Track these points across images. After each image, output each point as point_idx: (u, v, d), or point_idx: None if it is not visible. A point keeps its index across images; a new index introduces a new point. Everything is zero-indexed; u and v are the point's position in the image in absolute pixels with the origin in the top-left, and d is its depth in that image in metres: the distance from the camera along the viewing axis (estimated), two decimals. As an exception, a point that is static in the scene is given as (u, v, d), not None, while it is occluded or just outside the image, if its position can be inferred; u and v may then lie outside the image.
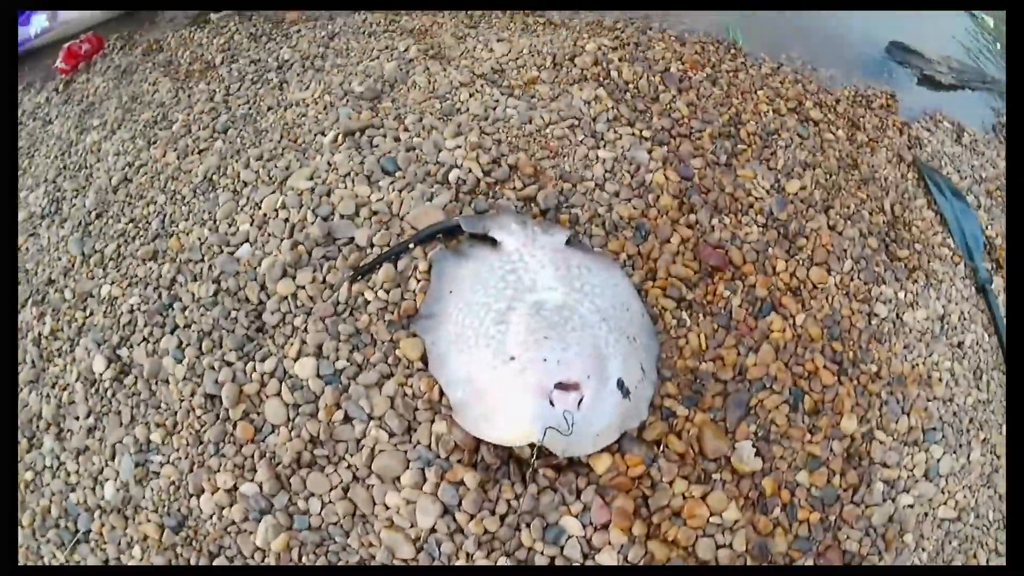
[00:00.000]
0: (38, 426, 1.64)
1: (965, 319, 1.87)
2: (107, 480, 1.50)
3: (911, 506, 1.54)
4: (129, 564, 1.43)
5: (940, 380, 1.70)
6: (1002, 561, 1.65)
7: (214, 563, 1.36)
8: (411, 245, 1.50)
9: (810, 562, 1.40)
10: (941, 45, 2.74)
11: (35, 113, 2.59)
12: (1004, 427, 1.76)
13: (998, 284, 2.04)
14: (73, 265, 1.85)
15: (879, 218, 1.89)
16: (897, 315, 1.74)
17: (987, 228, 2.19)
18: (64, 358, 1.69)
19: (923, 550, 1.54)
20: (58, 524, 1.52)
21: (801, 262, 1.67)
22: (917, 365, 1.69)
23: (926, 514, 1.56)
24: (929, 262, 1.90)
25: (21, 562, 1.52)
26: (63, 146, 2.29)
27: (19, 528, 1.55)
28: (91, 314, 1.72)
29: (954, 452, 1.64)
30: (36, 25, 2.86)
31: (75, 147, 2.25)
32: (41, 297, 1.84)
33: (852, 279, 1.72)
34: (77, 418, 1.59)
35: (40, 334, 1.76)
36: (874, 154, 2.06)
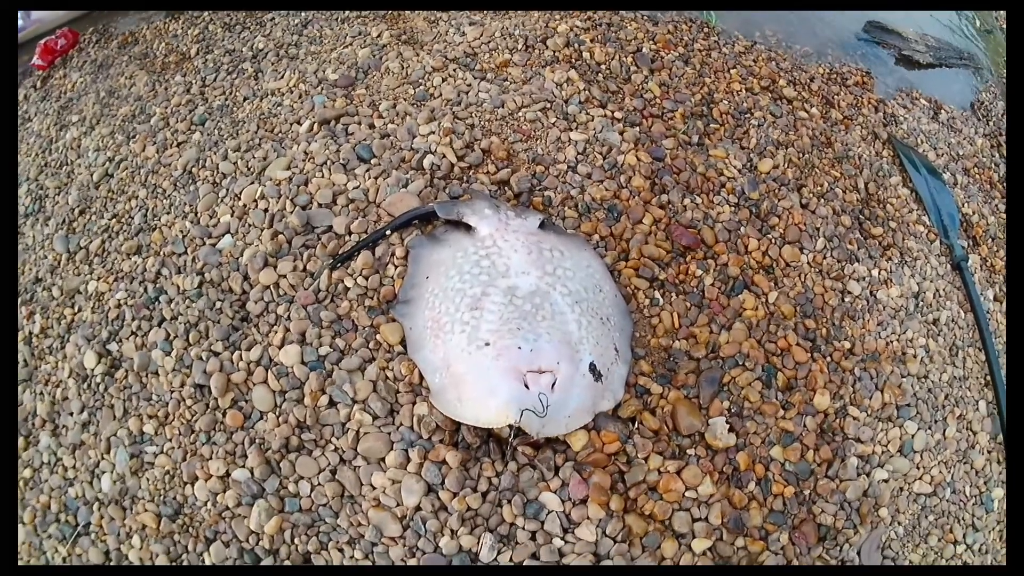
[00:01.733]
0: (34, 424, 1.69)
1: (940, 296, 1.94)
2: (103, 473, 1.56)
3: (886, 481, 1.60)
4: (129, 554, 1.48)
5: (915, 357, 1.77)
6: (979, 536, 1.73)
7: (210, 548, 1.42)
8: (388, 232, 1.57)
9: (785, 536, 1.47)
10: (920, 23, 2.79)
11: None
12: (980, 404, 1.83)
13: (974, 261, 2.11)
14: (59, 263, 1.90)
15: (853, 196, 1.95)
16: (871, 293, 1.81)
17: (964, 205, 2.25)
18: (55, 355, 1.74)
19: (899, 524, 1.61)
20: (58, 519, 1.58)
21: (773, 241, 1.74)
22: (891, 342, 1.76)
23: (901, 489, 1.63)
24: (904, 240, 1.96)
25: (23, 560, 1.57)
26: (43, 143, 2.33)
27: (20, 525, 1.60)
28: (79, 310, 1.77)
29: (929, 428, 1.71)
30: (12, 25, 2.88)
31: (55, 144, 2.29)
32: (30, 296, 1.89)
33: (825, 257, 1.78)
34: (71, 414, 1.64)
35: (31, 333, 1.81)
36: (848, 132, 2.12)
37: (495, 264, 1.46)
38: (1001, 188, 2.43)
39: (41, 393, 1.71)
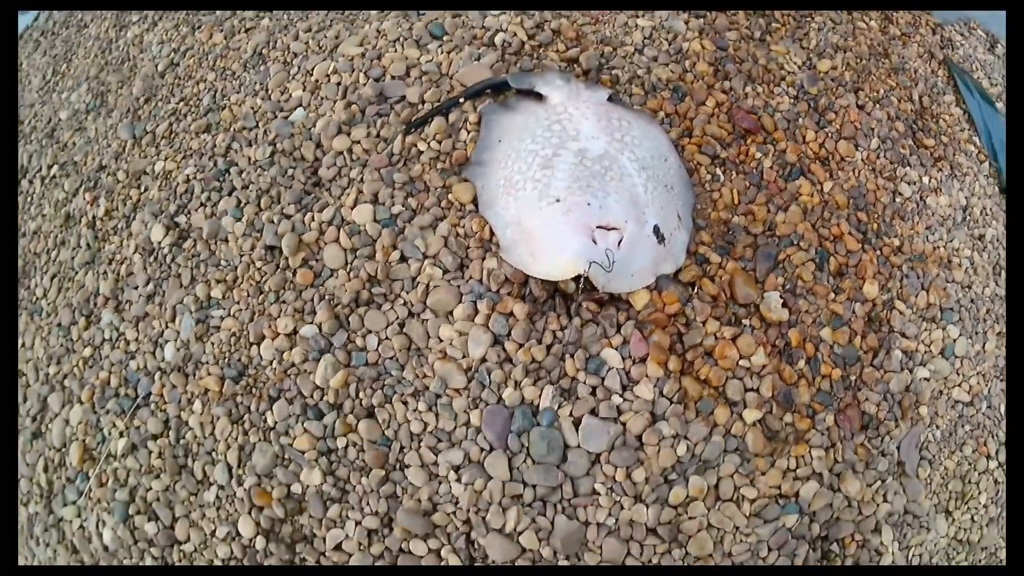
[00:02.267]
0: (95, 303, 1.76)
1: (987, 214, 1.99)
2: (167, 342, 1.62)
3: (927, 379, 1.66)
4: (189, 420, 1.56)
5: (960, 265, 1.82)
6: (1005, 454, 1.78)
7: (273, 407, 1.49)
8: (461, 100, 1.64)
9: (831, 418, 1.53)
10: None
11: (67, 22, 2.70)
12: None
13: (1019, 192, 2.17)
14: (124, 149, 1.98)
15: (907, 106, 2.01)
16: (921, 197, 1.86)
17: (1015, 134, 2.31)
18: (120, 235, 1.82)
19: (936, 427, 1.67)
20: (118, 394, 1.64)
21: (830, 135, 1.80)
22: (938, 247, 1.81)
23: (941, 392, 1.69)
24: (954, 155, 2.01)
25: (79, 440, 1.65)
26: (103, 44, 2.42)
27: (79, 404, 1.67)
28: (145, 190, 1.84)
29: (970, 337, 1.76)
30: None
31: (115, 44, 2.38)
32: (93, 183, 1.97)
33: (879, 157, 1.84)
34: (136, 288, 1.71)
35: (94, 216, 1.89)
36: (906, 47, 2.17)
37: (566, 128, 1.53)
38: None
39: (104, 272, 1.79)
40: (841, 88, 1.90)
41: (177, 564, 1.55)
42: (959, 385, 1.73)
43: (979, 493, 1.74)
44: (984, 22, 2.63)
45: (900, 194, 1.83)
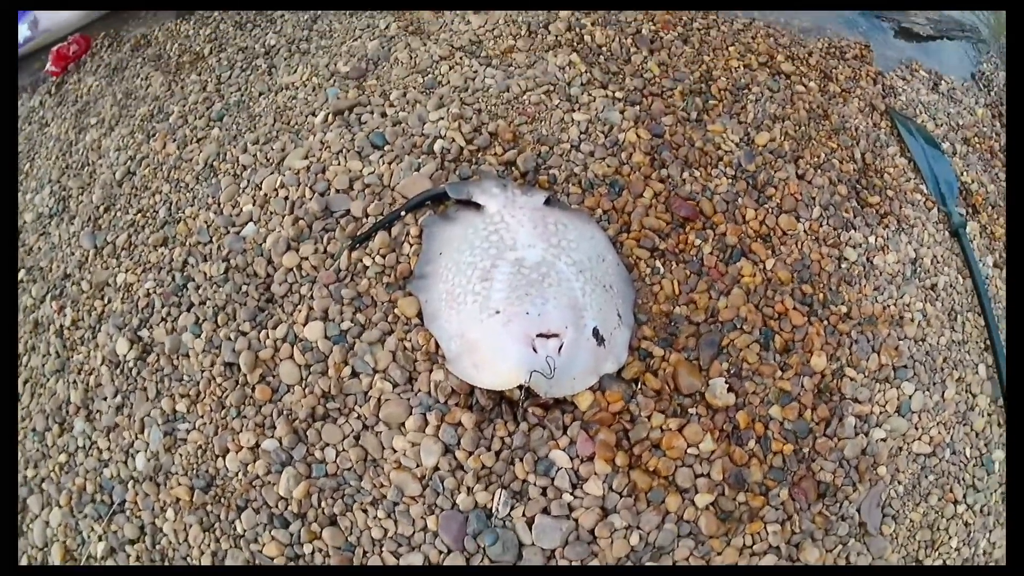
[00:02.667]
0: (67, 411, 1.84)
1: (938, 262, 2.06)
2: (138, 452, 1.70)
3: (883, 440, 1.71)
4: (163, 527, 1.63)
5: (912, 320, 1.88)
6: (980, 496, 1.83)
7: (242, 515, 1.57)
8: (403, 213, 1.73)
9: (785, 492, 1.59)
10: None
11: (30, 118, 2.80)
12: (980, 368, 1.94)
13: (974, 228, 2.22)
14: (87, 258, 2.06)
15: (849, 166, 2.09)
16: (867, 259, 1.93)
17: (963, 174, 2.36)
18: (87, 345, 1.90)
19: (899, 483, 1.72)
20: (94, 499, 1.72)
21: (770, 210, 1.87)
22: (888, 306, 1.88)
23: (900, 448, 1.74)
24: (901, 207, 2.09)
25: (60, 540, 1.72)
26: (63, 146, 2.51)
27: (57, 508, 1.74)
28: (109, 302, 1.93)
29: (927, 389, 1.82)
30: (19, 35, 3.07)
31: (75, 146, 2.47)
32: (59, 291, 2.05)
33: (821, 225, 1.91)
34: (105, 398, 1.79)
35: (62, 326, 1.97)
36: (846, 104, 2.26)
37: (503, 238, 1.61)
38: (1002, 157, 2.54)
39: (74, 382, 1.87)
40: (780, 160, 1.97)
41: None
42: (919, 439, 1.78)
43: (949, 538, 1.79)
44: (929, 58, 2.72)
45: (846, 259, 1.90)
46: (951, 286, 2.04)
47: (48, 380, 1.93)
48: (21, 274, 2.23)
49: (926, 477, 1.78)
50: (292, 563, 1.53)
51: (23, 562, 1.78)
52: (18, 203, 2.38)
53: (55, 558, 1.72)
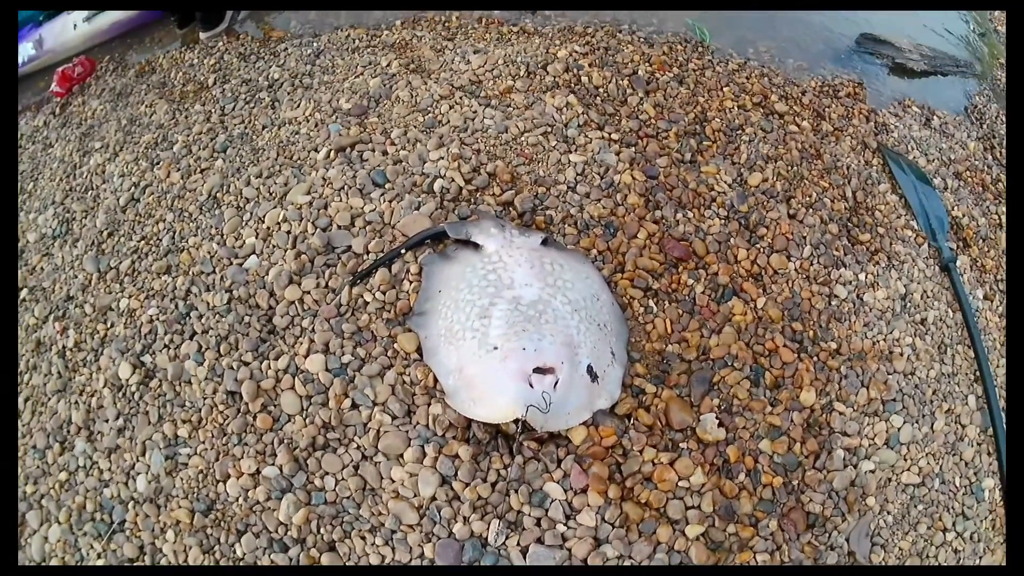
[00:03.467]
0: (68, 431, 1.92)
1: (928, 297, 2.15)
2: (139, 474, 1.77)
3: (872, 471, 1.79)
4: (163, 548, 1.70)
5: (901, 355, 1.96)
6: (969, 524, 1.90)
7: (241, 539, 1.64)
8: (403, 251, 1.82)
9: (774, 523, 1.66)
10: (914, 33, 3.04)
11: (34, 137, 2.91)
12: (969, 399, 2.02)
13: (964, 262, 2.32)
14: (90, 282, 2.15)
15: (841, 205, 2.19)
16: (857, 296, 2.03)
17: (954, 208, 2.46)
18: (90, 367, 1.98)
19: (888, 513, 1.79)
20: (94, 518, 1.78)
21: (762, 250, 1.97)
22: (877, 342, 1.96)
23: (889, 479, 1.81)
24: (891, 244, 2.18)
25: (59, 557, 1.79)
26: (67, 168, 2.61)
27: (56, 525, 1.81)
28: (112, 326, 2.01)
29: (916, 422, 1.89)
30: (23, 54, 3.18)
31: (79, 169, 2.57)
32: (62, 313, 2.14)
33: (812, 264, 2.01)
34: (107, 420, 1.86)
35: (64, 347, 2.05)
36: (838, 143, 2.37)
37: (501, 278, 1.71)
38: (994, 190, 2.65)
39: (76, 402, 1.95)
40: (772, 200, 2.08)
41: None
42: (908, 470, 1.86)
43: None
44: (923, 93, 2.84)
45: (836, 296, 2.00)
46: (941, 320, 2.13)
47: (50, 399, 2.00)
48: (23, 293, 2.31)
49: (915, 507, 1.85)
50: (291, 589, 1.60)
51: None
52: (19, 219, 2.46)
53: (54, 576, 1.79)
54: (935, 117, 2.78)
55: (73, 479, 1.86)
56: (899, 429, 1.87)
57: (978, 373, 2.10)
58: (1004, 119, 2.97)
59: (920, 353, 2.02)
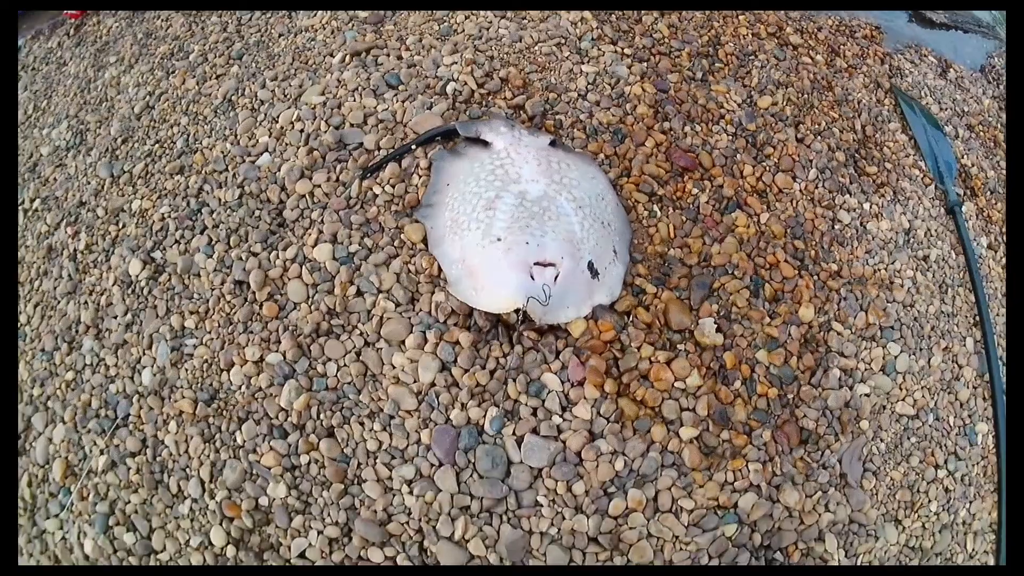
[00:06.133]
0: (77, 331, 1.98)
1: (932, 235, 2.19)
2: (144, 368, 1.83)
3: (867, 395, 1.84)
4: (165, 439, 1.76)
5: (901, 286, 2.01)
6: (961, 465, 1.95)
7: (242, 427, 1.71)
8: (413, 147, 1.89)
9: (768, 434, 1.72)
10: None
11: (47, 58, 2.96)
12: (967, 341, 2.05)
13: (970, 209, 2.36)
14: (103, 187, 2.21)
15: (849, 136, 2.24)
16: (861, 223, 2.07)
17: (963, 157, 2.50)
18: (100, 267, 2.03)
19: (881, 440, 1.85)
20: (98, 414, 1.85)
21: (768, 168, 2.03)
22: (879, 270, 2.01)
23: (883, 407, 1.87)
24: (898, 180, 2.23)
25: (62, 457, 1.85)
26: (82, 84, 2.67)
27: (61, 424, 1.88)
28: (123, 227, 2.07)
29: (913, 353, 1.94)
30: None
31: (94, 83, 2.63)
32: (74, 218, 2.19)
33: (817, 187, 2.06)
34: (115, 317, 1.92)
35: (76, 250, 2.10)
36: (851, 79, 2.41)
37: (508, 172, 1.77)
38: (1005, 148, 2.68)
39: (85, 302, 2.00)
40: (780, 123, 2.13)
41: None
42: (903, 399, 1.91)
43: (929, 501, 1.91)
44: (941, 46, 2.88)
45: (839, 221, 2.05)
46: (943, 259, 2.17)
47: (59, 302, 2.06)
48: (36, 203, 2.39)
49: (908, 438, 1.90)
50: (288, 472, 1.67)
51: (24, 480, 1.92)
52: (32, 135, 2.53)
53: (56, 474, 1.86)
54: (952, 70, 2.81)
55: (80, 378, 1.93)
56: (896, 357, 1.92)
57: (978, 318, 2.15)
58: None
59: (920, 287, 2.07)
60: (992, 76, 2.97)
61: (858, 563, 1.83)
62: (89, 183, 2.27)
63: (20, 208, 2.41)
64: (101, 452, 1.82)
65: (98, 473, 1.81)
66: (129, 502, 1.77)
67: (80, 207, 2.23)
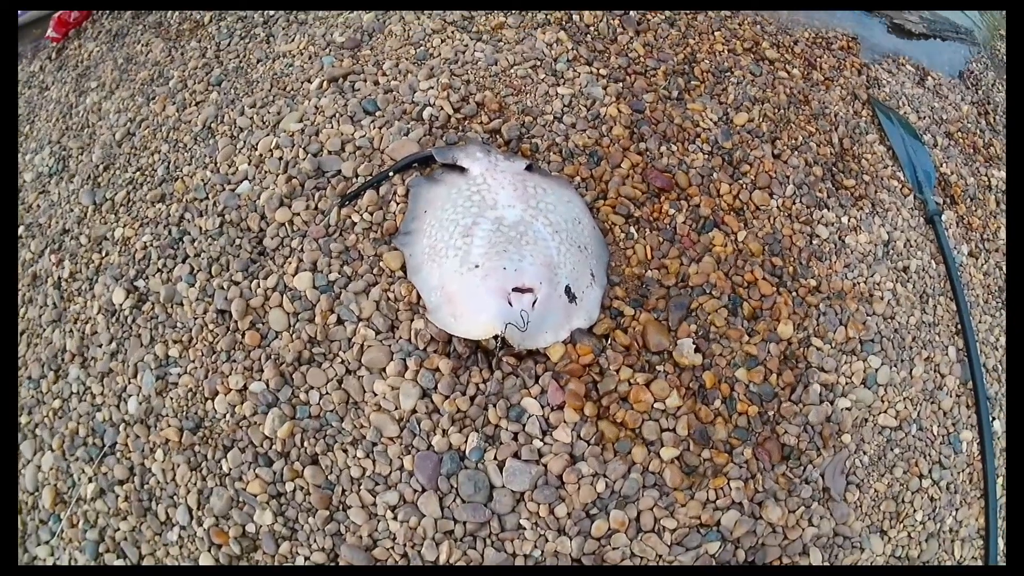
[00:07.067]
0: (63, 359, 1.99)
1: (911, 246, 2.21)
2: (130, 396, 1.85)
3: (848, 409, 1.86)
4: (152, 467, 1.78)
5: (881, 298, 2.03)
6: (946, 473, 1.96)
7: (228, 455, 1.72)
8: (391, 173, 1.91)
9: (749, 452, 1.74)
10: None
11: (30, 82, 2.98)
12: (950, 350, 2.07)
13: (950, 218, 2.38)
14: (86, 214, 2.23)
15: (826, 150, 2.26)
16: (839, 237, 2.09)
17: (942, 165, 2.52)
18: (84, 296, 2.05)
19: (864, 453, 1.86)
20: (86, 443, 1.86)
21: (744, 186, 2.05)
22: (858, 283, 2.03)
23: (865, 419, 1.88)
24: (876, 192, 2.25)
25: (51, 485, 1.86)
26: (63, 109, 2.69)
27: (49, 452, 1.89)
28: (107, 255, 2.08)
29: (894, 365, 1.96)
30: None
31: (75, 109, 2.65)
32: (57, 246, 2.21)
33: (794, 203, 2.08)
34: (100, 346, 1.94)
35: (60, 278, 2.12)
36: (828, 92, 2.44)
37: (485, 198, 1.79)
38: (985, 153, 2.71)
39: (70, 331, 2.02)
40: (757, 140, 2.15)
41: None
42: (885, 411, 1.93)
43: (914, 511, 1.93)
44: (918, 54, 2.91)
45: (817, 236, 2.07)
46: (923, 270, 2.19)
47: (45, 330, 2.08)
48: (20, 230, 2.40)
49: (892, 450, 1.92)
50: (274, 499, 1.69)
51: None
52: (17, 167, 2.54)
53: (46, 502, 1.87)
54: (929, 77, 2.84)
55: (67, 406, 1.94)
56: (876, 370, 1.94)
57: (959, 326, 2.16)
58: (1001, 87, 3.03)
59: (901, 299, 2.09)
60: (970, 82, 3.00)
61: (844, 575, 1.84)
62: (72, 210, 2.29)
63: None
64: (90, 480, 1.84)
65: (87, 500, 1.83)
66: (118, 529, 1.78)
67: (64, 235, 2.25)
